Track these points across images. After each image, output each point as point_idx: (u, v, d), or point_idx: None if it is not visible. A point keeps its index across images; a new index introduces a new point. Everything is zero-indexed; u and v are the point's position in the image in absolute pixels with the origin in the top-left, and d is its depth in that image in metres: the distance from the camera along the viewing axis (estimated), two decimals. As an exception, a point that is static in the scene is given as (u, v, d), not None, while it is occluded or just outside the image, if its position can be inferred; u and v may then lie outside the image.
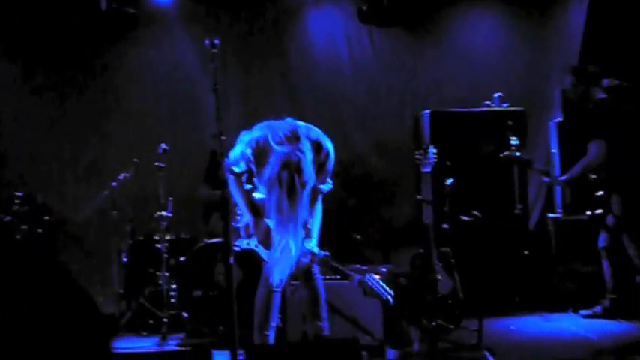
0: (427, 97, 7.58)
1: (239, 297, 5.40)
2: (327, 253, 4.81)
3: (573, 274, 6.60)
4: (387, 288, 5.20)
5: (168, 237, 6.14)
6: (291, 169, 4.42)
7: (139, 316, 6.15)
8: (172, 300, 6.05)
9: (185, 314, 5.92)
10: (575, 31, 7.61)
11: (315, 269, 5.02)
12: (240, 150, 4.68)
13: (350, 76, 7.68)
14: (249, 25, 7.51)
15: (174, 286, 6.09)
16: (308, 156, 4.49)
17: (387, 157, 7.61)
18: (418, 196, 5.83)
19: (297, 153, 4.45)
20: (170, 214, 6.13)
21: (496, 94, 7.06)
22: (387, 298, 5.15)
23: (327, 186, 4.83)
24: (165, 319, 5.86)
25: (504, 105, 7.04)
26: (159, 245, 6.07)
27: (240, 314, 4.97)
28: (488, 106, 7.08)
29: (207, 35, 4.10)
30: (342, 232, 7.05)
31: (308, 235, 4.78)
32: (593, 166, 6.01)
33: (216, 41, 4.04)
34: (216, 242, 5.89)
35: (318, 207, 4.84)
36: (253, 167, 4.66)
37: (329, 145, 4.70)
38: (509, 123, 6.38)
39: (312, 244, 4.78)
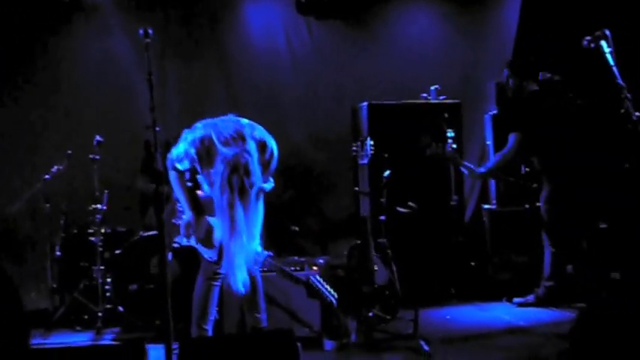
0: (365, 89, 7.59)
1: (176, 290, 5.39)
2: (270, 253, 4.82)
3: (507, 264, 6.74)
4: (331, 290, 5.24)
5: (103, 230, 6.06)
6: (240, 171, 4.41)
7: (74, 311, 6.05)
8: (107, 294, 5.96)
9: (121, 308, 5.85)
10: (509, 25, 7.74)
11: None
12: (183, 149, 4.64)
13: (288, 68, 7.65)
14: (186, 16, 7.40)
15: (109, 280, 5.99)
16: (254, 157, 4.50)
17: (325, 150, 7.61)
18: (355, 188, 5.87)
19: (245, 155, 4.45)
20: (105, 207, 6.04)
21: (433, 87, 7.14)
22: (331, 301, 5.19)
23: (269, 184, 4.86)
24: (100, 314, 5.79)
25: (441, 98, 7.12)
26: (93, 239, 5.98)
27: (177, 308, 4.95)
28: (425, 98, 7.16)
29: (143, 26, 4.03)
30: (280, 224, 7.04)
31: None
32: (509, 157, 6.08)
33: (150, 31, 3.98)
34: (152, 235, 5.83)
35: (260, 207, 4.81)
36: (197, 166, 4.62)
37: (273, 143, 4.71)
38: (445, 115, 6.47)
39: (256, 244, 4.74)
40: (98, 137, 6.02)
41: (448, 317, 6.20)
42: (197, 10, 7.46)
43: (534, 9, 7.59)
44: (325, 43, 7.69)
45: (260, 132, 4.68)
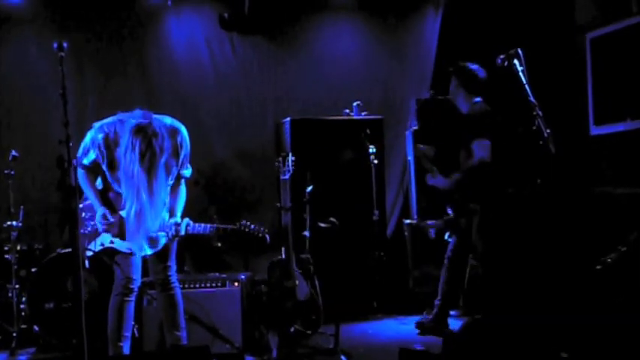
0: (288, 104, 7.63)
1: (94, 307, 5.30)
2: (187, 219, 4.77)
3: (428, 277, 6.84)
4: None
5: (18, 247, 5.90)
6: (147, 138, 4.47)
7: (-13, 332, 5.87)
8: (23, 313, 5.80)
9: (36, 328, 5.70)
10: (430, 42, 7.88)
11: (174, 278, 4.97)
12: (90, 137, 4.67)
13: (212, 84, 7.60)
14: (107, 29, 7.29)
15: (24, 298, 5.83)
16: (166, 143, 4.55)
17: (249, 165, 7.59)
18: (277, 204, 5.88)
19: (153, 127, 4.52)
20: (21, 224, 5.89)
21: (355, 103, 7.22)
22: (264, 236, 5.02)
23: (187, 171, 4.90)
24: (14, 334, 5.63)
25: (363, 114, 7.21)
26: (8, 256, 5.82)
27: (95, 326, 4.87)
28: (348, 114, 7.24)
29: (63, 38, 3.97)
30: (203, 239, 6.98)
31: (172, 215, 4.82)
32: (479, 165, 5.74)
33: (65, 44, 3.92)
34: (69, 252, 5.71)
35: (182, 190, 4.94)
36: (105, 152, 4.60)
37: (183, 129, 4.77)
38: (367, 131, 6.54)
39: (176, 219, 4.78)
40: (13, 152, 5.87)
41: (370, 332, 6.25)
42: (119, 23, 7.34)
43: (453, 27, 7.77)
44: (249, 58, 7.68)
45: (169, 119, 4.74)
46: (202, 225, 4.83)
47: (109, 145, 4.58)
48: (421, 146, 6.33)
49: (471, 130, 5.81)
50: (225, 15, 7.55)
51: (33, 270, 5.83)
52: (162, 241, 4.84)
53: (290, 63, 7.76)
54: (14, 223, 5.81)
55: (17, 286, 5.78)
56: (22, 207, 5.94)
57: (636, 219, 6.24)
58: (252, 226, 4.89)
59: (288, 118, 7.04)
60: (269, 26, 7.71)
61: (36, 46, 7.04)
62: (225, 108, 7.62)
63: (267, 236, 4.99)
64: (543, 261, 6.07)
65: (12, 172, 5.84)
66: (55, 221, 6.75)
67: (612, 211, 6.71)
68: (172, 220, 4.77)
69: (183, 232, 4.77)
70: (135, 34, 7.38)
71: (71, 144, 3.78)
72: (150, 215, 4.58)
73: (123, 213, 4.71)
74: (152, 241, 4.79)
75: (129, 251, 4.74)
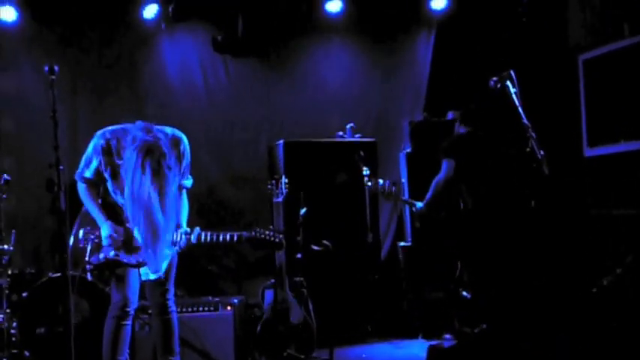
0: (282, 127, 7.62)
1: (86, 332, 5.25)
2: (198, 228, 4.70)
3: (422, 300, 6.79)
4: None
5: (10, 272, 5.84)
6: (154, 154, 4.37)
7: (-24, 358, 5.80)
8: (13, 338, 5.72)
9: (27, 353, 5.63)
10: (423, 66, 7.91)
11: (171, 302, 4.91)
12: (92, 145, 4.60)
13: (205, 106, 7.60)
14: (100, 51, 7.28)
15: (15, 323, 5.76)
16: (168, 152, 4.47)
17: (242, 188, 7.56)
18: (270, 227, 5.83)
19: (157, 140, 4.42)
20: (12, 248, 5.83)
21: (348, 125, 7.22)
22: (280, 241, 4.92)
23: (188, 181, 4.85)
24: (4, 359, 5.55)
25: (356, 136, 7.20)
26: (-1, 280, 5.76)
27: (88, 350, 4.81)
28: (341, 136, 7.23)
29: (57, 59, 3.96)
30: (196, 263, 6.94)
31: (178, 226, 4.70)
32: (443, 184, 5.88)
33: (56, 67, 3.91)
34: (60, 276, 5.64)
35: (184, 200, 4.86)
36: (107, 159, 4.53)
37: (184, 138, 4.72)
38: (361, 154, 6.52)
39: (186, 229, 4.69)
40: (5, 176, 5.83)
41: (364, 356, 6.20)
42: (112, 44, 7.34)
43: (446, 49, 7.80)
44: (242, 81, 7.68)
45: (169, 129, 4.68)
46: (216, 233, 4.70)
47: (112, 151, 4.51)
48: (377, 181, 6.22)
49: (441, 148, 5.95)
50: (219, 37, 7.56)
51: (24, 294, 5.76)
52: (165, 264, 4.76)
53: (283, 85, 7.77)
54: (5, 247, 5.74)
55: (8, 310, 5.71)
56: (13, 231, 5.88)
57: (632, 241, 6.22)
58: (267, 231, 4.81)
59: (282, 141, 7.03)
60: (262, 49, 7.72)
61: (28, 67, 7.01)
62: (218, 130, 7.61)
63: (284, 241, 4.89)
64: (538, 283, 6.04)
65: (4, 196, 5.79)
66: (47, 245, 6.70)
67: (608, 233, 6.70)
68: (181, 230, 4.67)
69: (194, 241, 4.66)
70: (129, 56, 7.37)
71: (62, 167, 3.75)
72: (164, 234, 4.48)
73: (129, 227, 4.63)
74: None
75: (134, 262, 4.64)
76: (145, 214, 4.37)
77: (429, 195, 5.95)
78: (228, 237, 4.69)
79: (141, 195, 4.35)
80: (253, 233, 4.73)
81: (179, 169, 4.64)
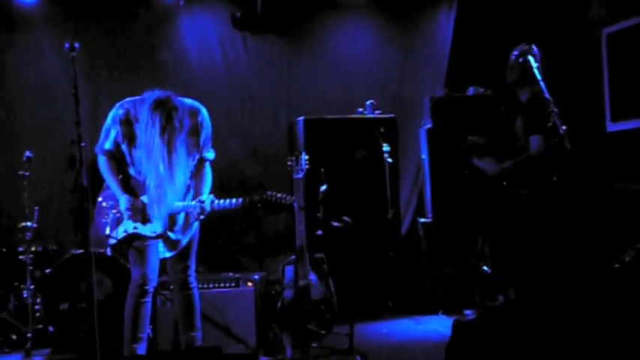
0: (302, 103, 7.61)
1: (109, 308, 5.32)
2: (211, 196, 4.74)
3: (443, 276, 6.79)
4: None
5: (33, 248, 5.90)
6: (170, 131, 4.46)
7: (2, 333, 5.87)
8: (37, 314, 5.80)
9: (51, 329, 5.71)
10: (444, 41, 7.84)
11: (193, 278, 4.95)
12: (111, 115, 4.66)
13: (225, 83, 7.59)
14: (119, 30, 7.29)
15: (39, 299, 5.84)
16: (185, 120, 4.57)
17: (262, 164, 7.57)
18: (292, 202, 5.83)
19: (174, 115, 4.50)
20: (36, 225, 5.88)
21: (368, 102, 7.18)
22: (292, 201, 5.07)
23: (210, 154, 4.89)
24: (29, 335, 5.63)
25: (376, 112, 7.16)
26: (23, 257, 5.82)
27: (111, 326, 4.87)
28: (361, 113, 7.20)
29: (76, 38, 3.97)
30: (216, 239, 6.97)
31: (198, 194, 4.77)
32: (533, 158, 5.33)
33: (76, 44, 3.92)
34: (83, 253, 5.70)
35: (207, 172, 4.90)
36: (125, 128, 4.59)
37: (203, 109, 4.77)
38: (381, 130, 6.49)
39: (201, 197, 4.72)
40: (28, 153, 5.87)
41: (384, 331, 6.22)
42: (132, 23, 7.35)
43: (467, 24, 7.73)
44: (261, 57, 7.66)
45: (189, 100, 4.76)
46: (228, 200, 4.74)
47: (130, 120, 4.58)
48: (470, 138, 6.05)
49: (528, 122, 5.39)
50: (238, 14, 7.54)
51: (47, 271, 5.83)
52: (184, 241, 4.80)
53: (302, 62, 7.74)
54: (29, 224, 5.80)
55: (32, 287, 5.79)
56: (36, 208, 5.93)
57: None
58: (279, 194, 4.87)
59: (302, 117, 7.01)
60: (281, 25, 7.69)
61: (49, 46, 7.05)
62: (237, 107, 7.62)
63: (295, 204, 5.01)
64: (559, 259, 6.00)
65: (26, 174, 5.83)
66: (70, 222, 6.76)
67: (630, 208, 6.63)
68: (196, 200, 4.71)
69: (208, 209, 4.68)
70: (148, 34, 7.37)
71: (84, 144, 3.76)
72: (169, 189, 4.54)
73: (144, 199, 4.68)
74: (172, 222, 4.73)
75: (153, 234, 4.68)
76: (152, 166, 4.48)
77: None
78: (240, 201, 4.76)
79: (149, 145, 4.46)
80: (265, 196, 4.81)
81: (197, 139, 4.68)
